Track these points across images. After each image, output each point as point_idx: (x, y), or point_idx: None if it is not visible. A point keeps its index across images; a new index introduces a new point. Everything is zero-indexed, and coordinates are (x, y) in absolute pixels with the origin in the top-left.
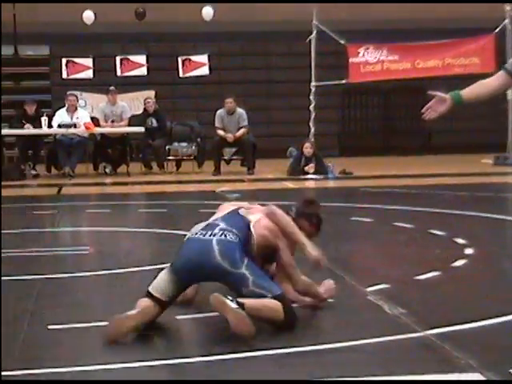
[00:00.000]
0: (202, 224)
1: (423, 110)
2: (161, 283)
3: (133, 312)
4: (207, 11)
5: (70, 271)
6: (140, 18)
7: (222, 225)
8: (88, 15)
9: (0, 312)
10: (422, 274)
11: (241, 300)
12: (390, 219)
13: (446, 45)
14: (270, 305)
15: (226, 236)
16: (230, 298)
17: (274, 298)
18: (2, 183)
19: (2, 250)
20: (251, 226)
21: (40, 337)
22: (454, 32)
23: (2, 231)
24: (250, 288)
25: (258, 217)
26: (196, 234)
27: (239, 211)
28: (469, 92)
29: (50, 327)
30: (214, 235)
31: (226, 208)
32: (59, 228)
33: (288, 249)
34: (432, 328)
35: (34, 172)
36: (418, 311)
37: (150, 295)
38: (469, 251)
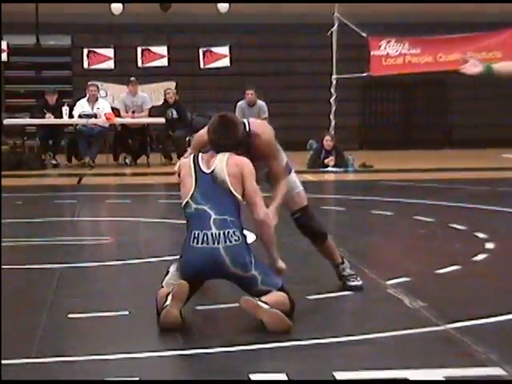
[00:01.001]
0: (194, 215)
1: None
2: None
3: (169, 301)
4: (222, 4)
5: (90, 260)
6: (165, 9)
7: (215, 216)
8: (116, 6)
9: (0, 311)
10: (443, 267)
11: (263, 299)
12: (410, 213)
13: (468, 38)
14: (281, 298)
15: (230, 240)
16: (257, 298)
17: (279, 290)
18: (22, 172)
19: (23, 239)
20: (231, 188)
21: (60, 325)
22: (476, 26)
23: (22, 220)
24: (259, 287)
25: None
26: (199, 239)
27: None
28: (499, 66)
29: (69, 316)
30: (219, 242)
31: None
32: (79, 217)
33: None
34: (452, 322)
35: (54, 162)
36: (439, 305)
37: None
38: (489, 245)
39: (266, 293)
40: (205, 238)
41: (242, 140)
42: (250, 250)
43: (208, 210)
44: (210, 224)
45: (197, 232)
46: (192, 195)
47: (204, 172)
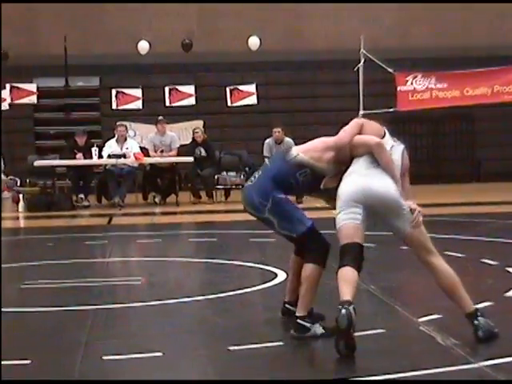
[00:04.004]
0: None
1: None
2: None
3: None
4: (253, 41)
5: (123, 302)
6: (187, 50)
7: (266, 163)
8: (143, 46)
9: (0, 311)
10: (475, 304)
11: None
12: (440, 248)
13: (494, 72)
14: (305, 273)
15: (251, 180)
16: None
17: (299, 236)
18: (53, 213)
19: (55, 281)
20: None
21: (95, 368)
22: (503, 59)
23: (53, 261)
24: (277, 230)
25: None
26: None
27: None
28: None
29: (104, 358)
30: (252, 179)
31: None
32: (110, 258)
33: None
34: (486, 359)
35: (86, 203)
36: (472, 342)
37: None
38: None
39: (284, 236)
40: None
41: None
42: (263, 192)
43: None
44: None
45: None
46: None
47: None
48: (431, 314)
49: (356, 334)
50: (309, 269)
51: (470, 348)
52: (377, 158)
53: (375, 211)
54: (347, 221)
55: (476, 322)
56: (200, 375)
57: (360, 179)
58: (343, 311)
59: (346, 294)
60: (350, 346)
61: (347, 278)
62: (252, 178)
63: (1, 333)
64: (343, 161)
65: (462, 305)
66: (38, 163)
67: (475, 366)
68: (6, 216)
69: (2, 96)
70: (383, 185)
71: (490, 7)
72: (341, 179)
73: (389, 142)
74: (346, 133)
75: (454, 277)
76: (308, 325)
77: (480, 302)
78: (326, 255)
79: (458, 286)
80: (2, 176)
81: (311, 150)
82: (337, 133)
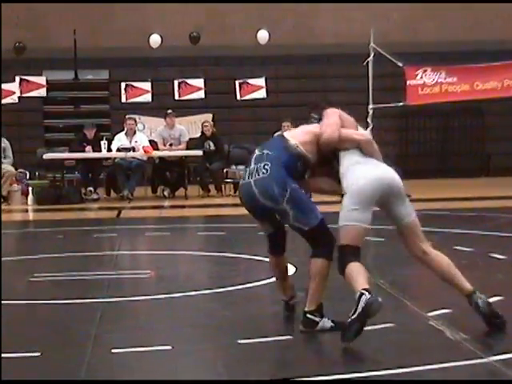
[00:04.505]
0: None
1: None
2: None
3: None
4: (262, 35)
5: (131, 295)
6: (194, 43)
7: (258, 152)
8: (154, 39)
9: (0, 309)
10: None
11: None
12: (449, 243)
13: (505, 66)
14: (314, 269)
15: (258, 173)
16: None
17: (311, 229)
18: (62, 206)
19: (65, 273)
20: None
21: (104, 360)
22: None
23: (63, 254)
24: (291, 223)
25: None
26: (245, 177)
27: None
28: None
29: (113, 351)
30: (252, 176)
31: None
32: (119, 251)
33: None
34: (496, 354)
35: (95, 196)
36: (481, 337)
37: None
38: None
39: (297, 229)
40: (246, 174)
41: None
42: (282, 182)
43: (257, 150)
44: (252, 160)
45: (247, 169)
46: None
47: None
48: (440, 309)
49: (365, 327)
50: (320, 264)
51: (479, 343)
52: (366, 153)
53: (384, 201)
54: (361, 223)
55: (475, 297)
56: (209, 368)
57: (378, 169)
58: (373, 297)
59: (365, 283)
60: (359, 333)
61: (360, 270)
62: (263, 170)
63: (1, 332)
64: (325, 153)
65: (463, 287)
66: (47, 156)
67: (485, 360)
68: (15, 208)
69: (12, 89)
70: (393, 172)
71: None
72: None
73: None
74: (334, 127)
75: (449, 261)
76: (317, 319)
77: (490, 297)
78: (333, 250)
79: (455, 269)
80: (12, 168)
81: (305, 143)
82: None
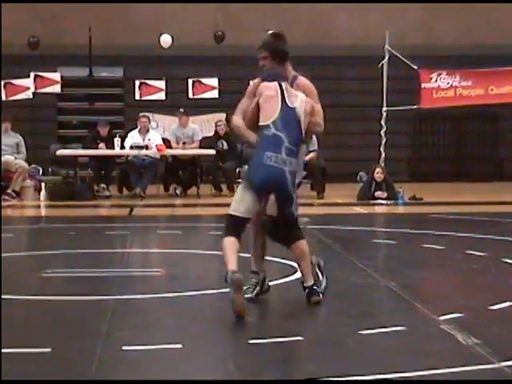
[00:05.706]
0: (271, 138)
1: None
2: (247, 204)
3: (233, 292)
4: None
5: (143, 292)
6: (219, 41)
7: (286, 143)
8: (165, 39)
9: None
10: (497, 303)
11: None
12: (462, 247)
13: None
14: (304, 248)
15: (291, 166)
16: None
17: (294, 218)
18: (75, 203)
19: (76, 270)
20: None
21: (115, 358)
22: None
23: (75, 250)
24: (290, 209)
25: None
26: (271, 159)
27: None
28: None
29: (124, 348)
30: (286, 165)
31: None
32: (131, 249)
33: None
34: (507, 359)
35: (107, 193)
36: (492, 342)
37: (234, 227)
38: None
39: (290, 215)
40: (277, 160)
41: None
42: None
43: (284, 137)
44: (282, 149)
45: (270, 153)
46: (274, 121)
47: (288, 106)
48: (452, 313)
49: (376, 330)
50: (304, 244)
51: (490, 348)
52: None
53: None
54: None
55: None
56: (220, 368)
57: None
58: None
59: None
60: None
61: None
62: (291, 164)
63: (0, 331)
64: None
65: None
66: (60, 152)
67: (496, 365)
68: (28, 204)
69: (27, 85)
70: None
71: None
72: None
73: None
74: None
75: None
76: (319, 289)
77: (500, 302)
78: None
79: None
80: (25, 164)
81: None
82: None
